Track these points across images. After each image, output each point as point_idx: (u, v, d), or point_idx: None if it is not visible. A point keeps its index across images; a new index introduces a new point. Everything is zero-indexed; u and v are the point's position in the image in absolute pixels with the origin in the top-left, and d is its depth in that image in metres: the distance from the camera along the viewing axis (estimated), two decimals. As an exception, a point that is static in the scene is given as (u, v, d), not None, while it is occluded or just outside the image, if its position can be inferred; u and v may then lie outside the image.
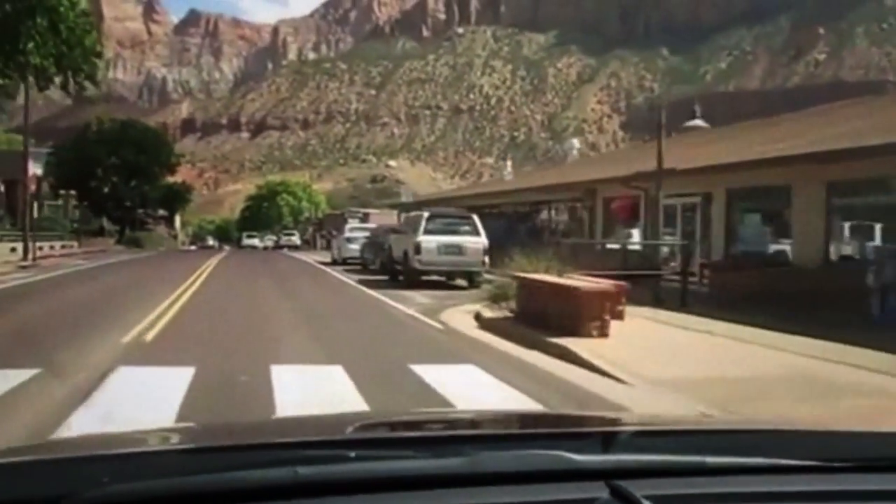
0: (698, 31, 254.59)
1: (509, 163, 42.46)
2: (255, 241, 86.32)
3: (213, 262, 29.41)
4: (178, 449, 1.46)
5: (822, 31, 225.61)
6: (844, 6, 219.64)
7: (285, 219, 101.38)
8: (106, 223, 67.34)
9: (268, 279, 21.54)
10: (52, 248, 37.85)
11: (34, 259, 28.12)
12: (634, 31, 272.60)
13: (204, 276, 21.01)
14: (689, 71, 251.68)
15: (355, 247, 27.91)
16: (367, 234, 28.17)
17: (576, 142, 43.13)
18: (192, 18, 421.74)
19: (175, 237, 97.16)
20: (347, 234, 30.35)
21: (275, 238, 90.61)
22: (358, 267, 26.23)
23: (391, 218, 62.16)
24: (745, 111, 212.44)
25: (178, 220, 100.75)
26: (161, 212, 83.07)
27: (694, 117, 17.11)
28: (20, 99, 33.33)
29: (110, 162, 66.49)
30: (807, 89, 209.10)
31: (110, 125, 73.93)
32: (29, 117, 32.95)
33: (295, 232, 78.61)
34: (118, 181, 68.85)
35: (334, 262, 29.82)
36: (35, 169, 28.84)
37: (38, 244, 33.43)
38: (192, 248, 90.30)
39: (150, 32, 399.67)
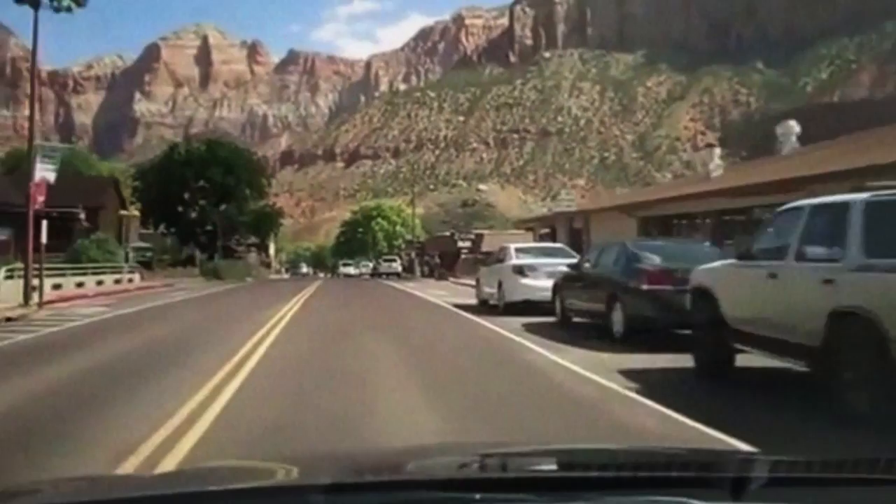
0: (795, 41, 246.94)
1: (717, 152, 25.11)
2: (351, 269, 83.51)
3: (297, 301, 22.40)
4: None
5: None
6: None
7: (380, 244, 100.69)
8: (198, 252, 63.26)
9: (394, 352, 10.81)
10: (99, 283, 32.36)
11: (40, 303, 20.28)
12: (726, 46, 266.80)
13: (275, 331, 13.04)
14: (786, 84, 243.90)
15: (539, 284, 16.22)
16: (566, 262, 15.95)
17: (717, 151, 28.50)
18: (291, 58, 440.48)
19: (268, 265, 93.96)
20: (520, 262, 17.76)
21: (370, 264, 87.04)
22: (542, 319, 14.63)
23: (502, 239, 58.08)
24: (853, 122, 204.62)
25: (272, 246, 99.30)
26: (252, 238, 77.55)
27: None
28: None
29: (197, 185, 61.28)
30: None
31: (197, 145, 70.04)
32: (34, 100, 27.09)
33: (395, 258, 71.72)
34: (206, 205, 63.52)
35: (487, 307, 18.77)
36: (46, 173, 21.33)
37: (75, 278, 29.87)
38: (286, 276, 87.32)
39: (252, 73, 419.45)
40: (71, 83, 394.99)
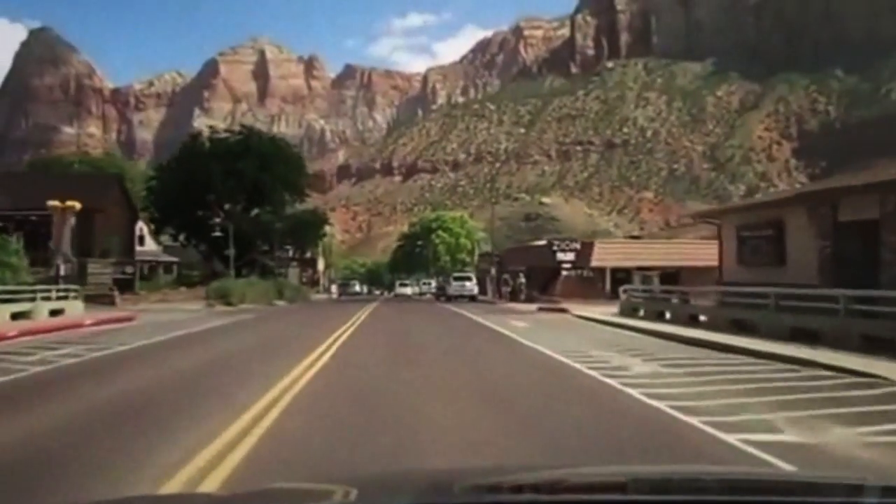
0: (877, 46, 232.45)
1: None
2: (408, 290, 76.77)
3: (314, 364, 12.40)
4: None
5: None
6: None
7: (442, 258, 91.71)
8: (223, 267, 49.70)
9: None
10: (56, 312, 23.44)
11: None
12: (802, 52, 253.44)
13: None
14: (868, 91, 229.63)
15: None
16: None
17: None
18: (348, 72, 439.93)
19: (315, 282, 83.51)
20: None
21: (432, 282, 79.24)
22: None
23: (619, 250, 49.54)
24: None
25: (320, 261, 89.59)
26: (290, 251, 67.29)
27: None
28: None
29: (225, 184, 50.25)
30: None
31: (227, 135, 57.73)
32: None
33: (470, 275, 56.75)
34: (232, 208, 52.28)
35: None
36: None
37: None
38: (335, 295, 76.60)
39: (309, 87, 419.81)
40: (132, 100, 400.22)
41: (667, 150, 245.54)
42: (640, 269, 40.81)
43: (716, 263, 29.04)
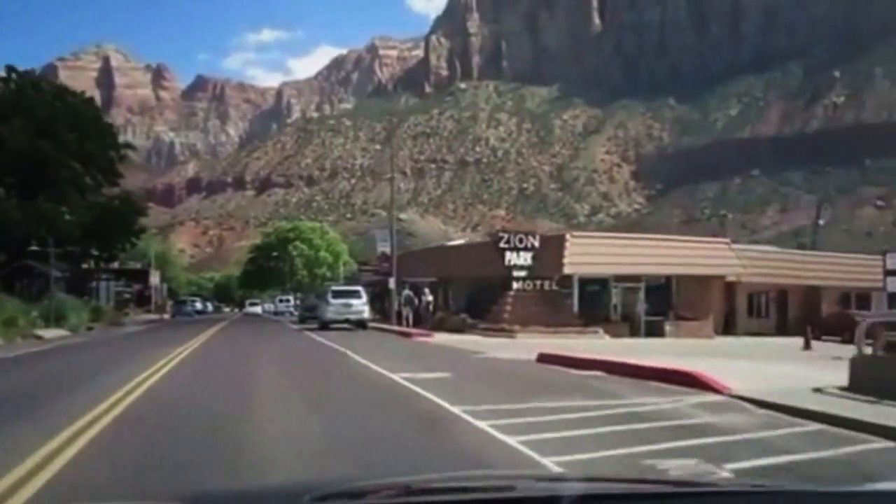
0: (705, 79, 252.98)
1: None
2: (258, 309, 71.08)
3: None
4: None
5: (837, 73, 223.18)
6: (859, 49, 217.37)
7: (299, 272, 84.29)
8: None
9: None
10: None
11: None
12: (639, 81, 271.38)
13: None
14: (698, 119, 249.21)
15: None
16: None
17: None
18: (200, 84, 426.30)
19: (147, 299, 70.53)
20: None
21: (290, 299, 73.29)
22: None
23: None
24: (763, 157, 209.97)
25: (153, 274, 76.18)
26: (99, 254, 48.05)
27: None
28: None
29: None
30: (828, 133, 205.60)
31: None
32: None
33: (358, 290, 36.32)
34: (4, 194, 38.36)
35: None
36: None
37: None
38: (167, 316, 61.02)
39: (158, 98, 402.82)
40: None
41: (517, 170, 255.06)
42: (620, 278, 31.92)
43: (722, 271, 28.73)
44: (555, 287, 30.69)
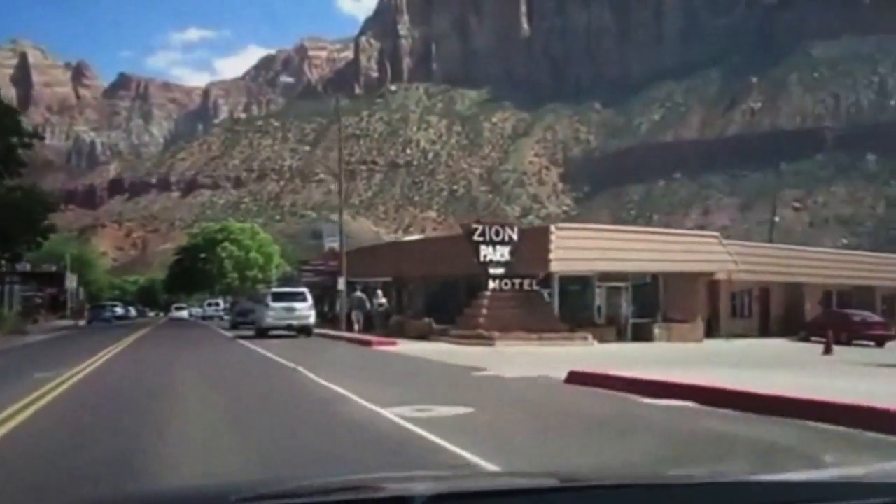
0: (629, 85, 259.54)
1: None
2: (184, 313, 70.09)
3: None
4: None
5: (754, 80, 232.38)
6: (774, 58, 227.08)
7: (229, 275, 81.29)
8: None
9: None
10: None
11: None
12: (566, 85, 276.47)
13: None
14: (622, 123, 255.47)
15: None
16: None
17: None
18: (123, 82, 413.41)
19: (62, 304, 68.23)
20: None
21: (220, 303, 72.01)
22: None
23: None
24: (685, 160, 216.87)
25: (70, 278, 71.98)
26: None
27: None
28: None
29: None
30: (747, 137, 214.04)
31: None
32: None
33: (304, 290, 32.62)
34: None
35: None
36: None
37: None
38: (82, 322, 57.70)
39: (78, 97, 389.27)
40: None
41: (448, 172, 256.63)
42: (604, 277, 28.96)
43: (713, 268, 27.01)
44: (535, 287, 27.45)
